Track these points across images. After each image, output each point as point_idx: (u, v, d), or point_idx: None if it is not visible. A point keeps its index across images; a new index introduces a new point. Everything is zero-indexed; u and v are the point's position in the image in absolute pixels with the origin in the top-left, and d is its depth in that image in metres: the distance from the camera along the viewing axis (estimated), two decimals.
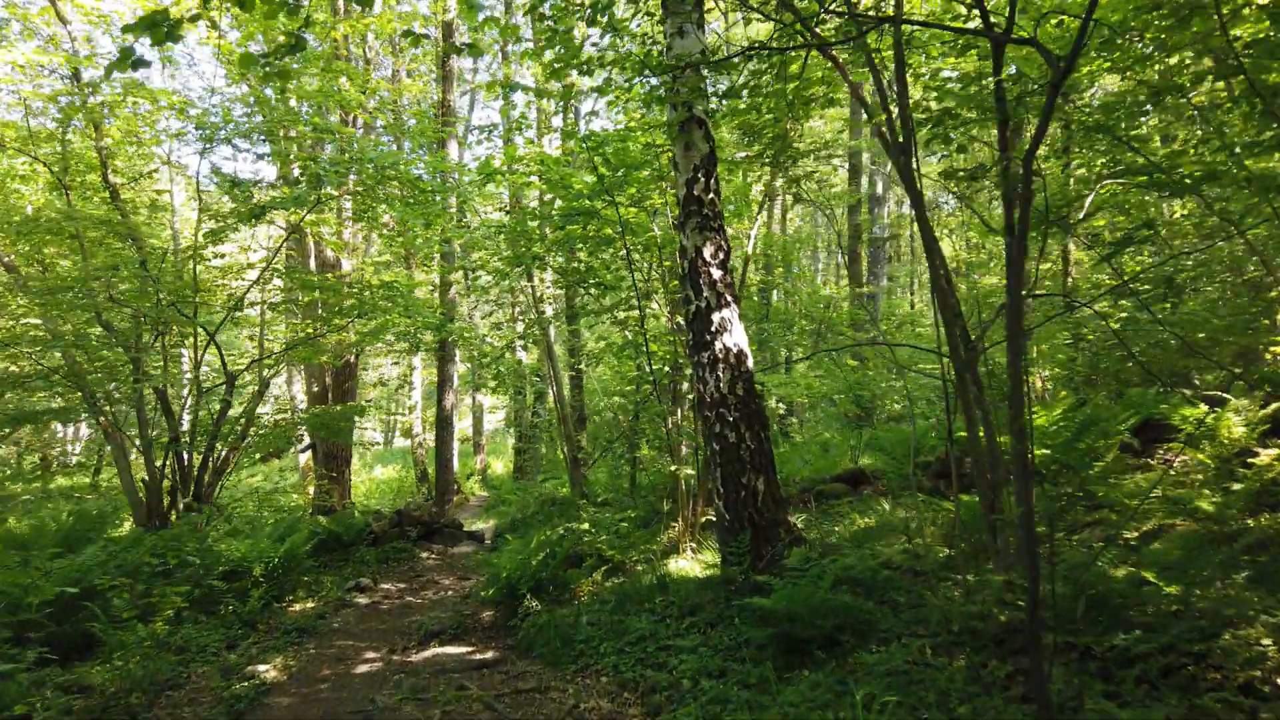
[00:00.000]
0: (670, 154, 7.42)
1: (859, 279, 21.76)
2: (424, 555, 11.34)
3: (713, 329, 6.89)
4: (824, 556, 6.02)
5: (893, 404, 17.21)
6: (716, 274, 7.01)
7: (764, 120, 7.33)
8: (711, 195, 7.15)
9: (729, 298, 7.01)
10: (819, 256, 38.31)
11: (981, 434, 5.24)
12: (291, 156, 10.48)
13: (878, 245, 23.18)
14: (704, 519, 8.09)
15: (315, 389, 16.46)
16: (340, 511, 12.68)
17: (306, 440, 21.26)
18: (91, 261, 10.19)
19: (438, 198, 11.46)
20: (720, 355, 6.84)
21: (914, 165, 5.31)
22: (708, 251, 7.04)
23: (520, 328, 19.30)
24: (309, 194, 9.66)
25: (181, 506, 11.88)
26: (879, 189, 23.77)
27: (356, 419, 12.85)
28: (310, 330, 13.00)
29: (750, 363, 6.96)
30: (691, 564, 7.54)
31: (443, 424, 16.34)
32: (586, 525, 7.90)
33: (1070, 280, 11.29)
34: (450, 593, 9.18)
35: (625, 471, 11.74)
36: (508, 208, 11.78)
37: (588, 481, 13.34)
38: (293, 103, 11.83)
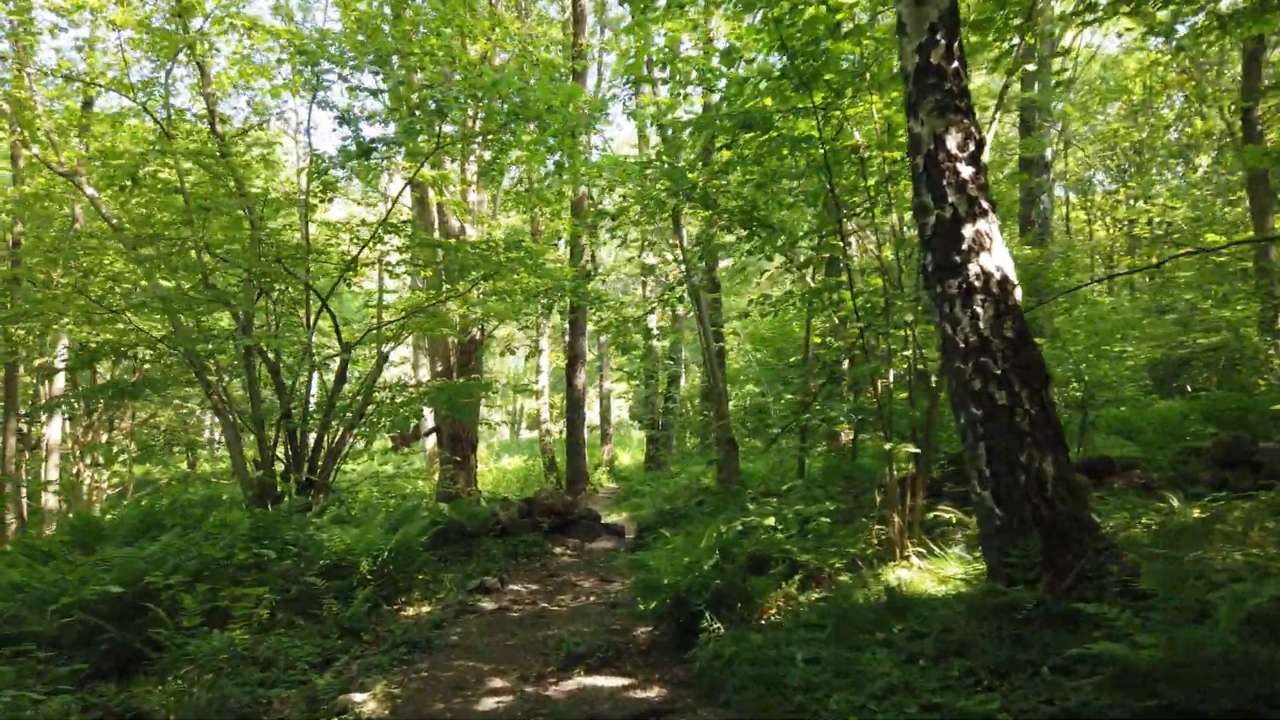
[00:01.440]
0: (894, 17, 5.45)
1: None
2: (557, 550, 9.73)
3: (963, 246, 4.88)
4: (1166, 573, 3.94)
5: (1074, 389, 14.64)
6: (966, 171, 5.00)
7: None
8: (955, 65, 5.13)
9: (984, 203, 4.99)
10: None
11: None
12: (407, 86, 9.03)
13: (1046, 213, 20.58)
14: (928, 515, 6.08)
15: (439, 369, 15.27)
16: (463, 499, 11.29)
17: (431, 423, 20.32)
18: (195, 211, 9.09)
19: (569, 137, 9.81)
20: (977, 282, 4.82)
21: None
22: (952, 141, 5.03)
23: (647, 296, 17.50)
24: (424, 122, 8.20)
25: (293, 490, 10.81)
26: (1047, 154, 21.13)
27: (484, 396, 11.39)
28: (433, 295, 11.68)
29: (1019, 294, 4.91)
30: (918, 575, 5.55)
31: (574, 406, 14.76)
32: (770, 520, 6.03)
33: None
34: (592, 599, 7.49)
35: (791, 455, 9.80)
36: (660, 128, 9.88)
37: (741, 470, 11.49)
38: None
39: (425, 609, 7.18)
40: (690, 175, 7.68)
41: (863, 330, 5.90)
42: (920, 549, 5.77)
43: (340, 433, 11.06)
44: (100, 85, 9.98)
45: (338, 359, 11.23)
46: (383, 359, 12.14)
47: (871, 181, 6.43)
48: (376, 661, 5.64)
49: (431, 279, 12.78)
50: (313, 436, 11.04)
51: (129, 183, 10.17)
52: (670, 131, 8.70)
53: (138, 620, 5.48)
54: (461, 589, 7.75)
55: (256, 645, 5.56)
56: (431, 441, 19.30)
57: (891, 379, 6.16)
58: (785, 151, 7.03)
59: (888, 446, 5.79)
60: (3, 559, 6.24)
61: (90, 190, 10.82)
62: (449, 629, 6.53)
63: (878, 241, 6.36)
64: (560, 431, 24.94)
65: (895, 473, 6.10)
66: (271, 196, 9.90)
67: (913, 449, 5.76)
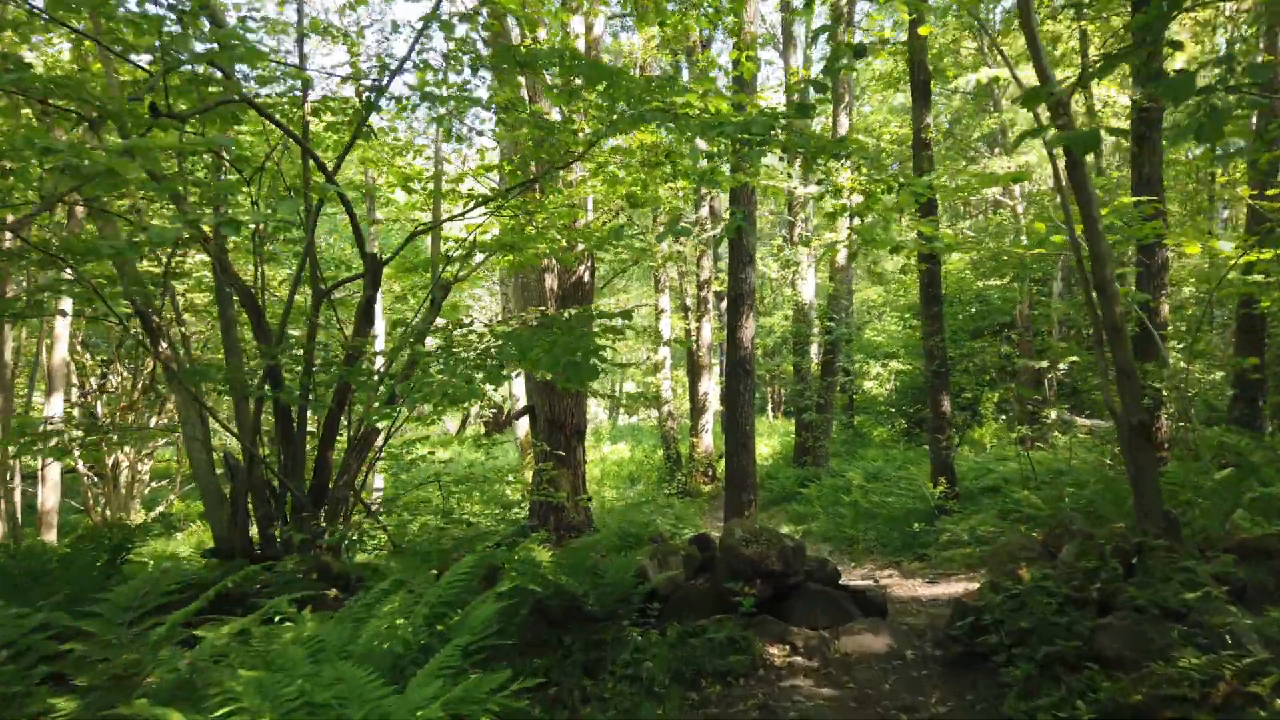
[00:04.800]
0: None
1: None
2: (777, 657, 4.68)
3: None
4: None
5: None
6: None
7: None
8: None
9: None
10: None
11: None
12: None
13: None
14: None
15: (532, 322, 10.51)
16: (579, 539, 6.39)
17: (522, 402, 15.65)
18: None
19: None
20: None
21: None
22: None
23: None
24: None
25: (288, 517, 6.33)
26: None
27: (608, 352, 6.39)
28: (518, 178, 6.88)
29: None
30: None
31: (738, 371, 9.52)
32: None
33: None
34: None
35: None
36: None
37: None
38: None
39: None
40: None
41: None
42: None
43: (369, 410, 6.40)
44: None
45: (359, 281, 6.58)
46: (442, 289, 7.38)
47: None
48: None
49: (515, 164, 7.86)
50: (323, 417, 6.51)
51: None
52: None
53: None
54: None
55: None
56: (525, 427, 14.67)
57: None
58: None
59: None
60: None
61: None
62: None
63: None
64: (679, 415, 20.10)
65: None
66: None
67: None
